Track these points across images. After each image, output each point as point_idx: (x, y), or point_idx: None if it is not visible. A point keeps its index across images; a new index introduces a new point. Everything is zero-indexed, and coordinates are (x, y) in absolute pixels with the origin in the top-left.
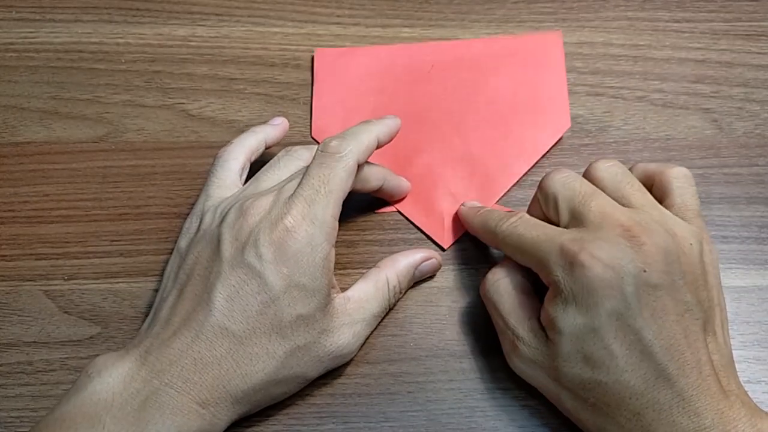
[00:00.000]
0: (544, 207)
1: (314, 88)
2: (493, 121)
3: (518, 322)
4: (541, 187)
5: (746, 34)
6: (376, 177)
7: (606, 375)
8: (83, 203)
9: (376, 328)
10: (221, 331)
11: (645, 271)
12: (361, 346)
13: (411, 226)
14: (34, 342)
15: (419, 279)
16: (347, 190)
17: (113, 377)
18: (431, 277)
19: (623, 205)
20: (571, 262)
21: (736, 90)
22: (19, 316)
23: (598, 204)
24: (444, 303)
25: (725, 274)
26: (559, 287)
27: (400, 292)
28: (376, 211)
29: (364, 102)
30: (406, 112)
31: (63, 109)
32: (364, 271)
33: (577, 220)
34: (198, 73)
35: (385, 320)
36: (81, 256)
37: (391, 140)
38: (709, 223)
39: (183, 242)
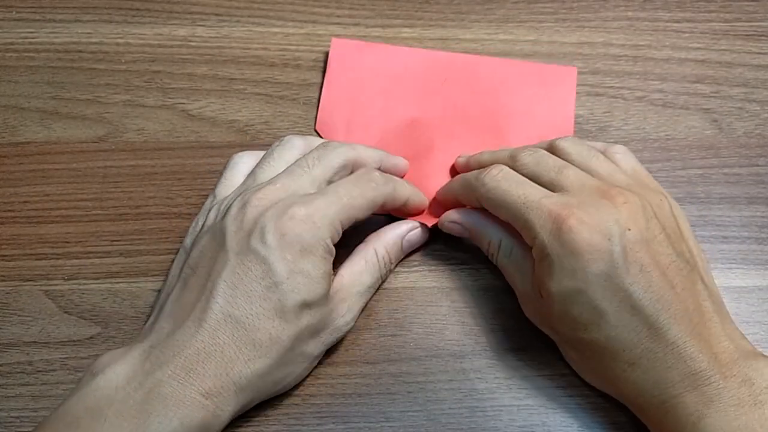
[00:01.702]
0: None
1: (326, 78)
2: (496, 143)
3: (516, 274)
4: (515, 164)
5: (746, 34)
6: (402, 193)
7: (597, 332)
8: (83, 203)
9: (378, 331)
10: (225, 318)
11: (629, 229)
12: (358, 317)
13: None
14: (34, 342)
15: (409, 250)
16: (363, 216)
17: (116, 373)
18: (418, 248)
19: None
20: (559, 228)
21: (736, 90)
22: (19, 316)
23: (575, 172)
24: (444, 303)
25: (725, 274)
26: (546, 251)
27: (390, 263)
28: (373, 213)
29: (372, 102)
30: (413, 119)
31: (63, 109)
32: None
33: (555, 190)
34: (198, 73)
35: (385, 320)
36: (81, 256)
37: (413, 212)
38: (709, 223)
39: (188, 240)
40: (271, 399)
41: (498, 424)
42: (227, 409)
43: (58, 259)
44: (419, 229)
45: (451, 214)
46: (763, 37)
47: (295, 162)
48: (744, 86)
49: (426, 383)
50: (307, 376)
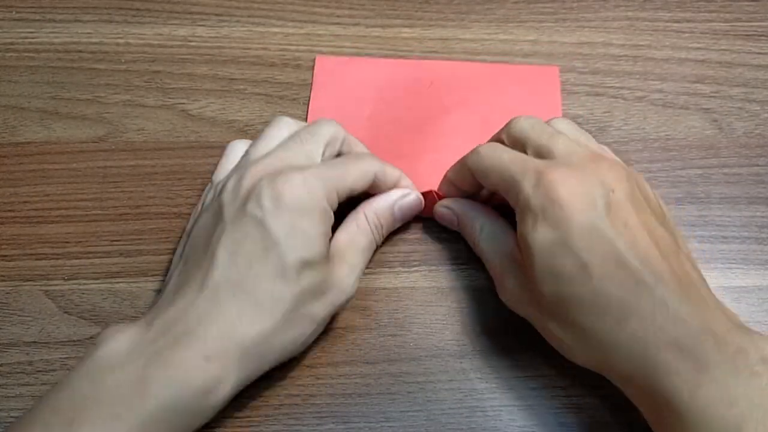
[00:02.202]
0: (510, 147)
1: (312, 93)
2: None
3: (493, 241)
4: (509, 132)
5: (746, 35)
6: (392, 175)
7: (581, 286)
8: (83, 203)
9: (378, 331)
10: (225, 282)
11: (613, 191)
12: (359, 282)
13: (410, 226)
14: (34, 342)
15: (402, 219)
16: (358, 188)
17: (119, 342)
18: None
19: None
20: (543, 181)
21: (736, 90)
22: (19, 316)
23: (566, 140)
24: (444, 303)
25: (725, 274)
26: (530, 204)
27: (381, 228)
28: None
29: (360, 110)
30: (401, 124)
31: (63, 109)
32: (365, 271)
33: (543, 155)
34: (198, 73)
35: (385, 320)
36: (81, 256)
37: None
38: (709, 223)
39: (189, 224)
40: (271, 399)
41: (498, 424)
42: (231, 374)
43: (58, 259)
44: (412, 195)
45: (445, 201)
46: (763, 37)
47: (289, 137)
48: (744, 86)
49: (426, 383)
50: (309, 378)
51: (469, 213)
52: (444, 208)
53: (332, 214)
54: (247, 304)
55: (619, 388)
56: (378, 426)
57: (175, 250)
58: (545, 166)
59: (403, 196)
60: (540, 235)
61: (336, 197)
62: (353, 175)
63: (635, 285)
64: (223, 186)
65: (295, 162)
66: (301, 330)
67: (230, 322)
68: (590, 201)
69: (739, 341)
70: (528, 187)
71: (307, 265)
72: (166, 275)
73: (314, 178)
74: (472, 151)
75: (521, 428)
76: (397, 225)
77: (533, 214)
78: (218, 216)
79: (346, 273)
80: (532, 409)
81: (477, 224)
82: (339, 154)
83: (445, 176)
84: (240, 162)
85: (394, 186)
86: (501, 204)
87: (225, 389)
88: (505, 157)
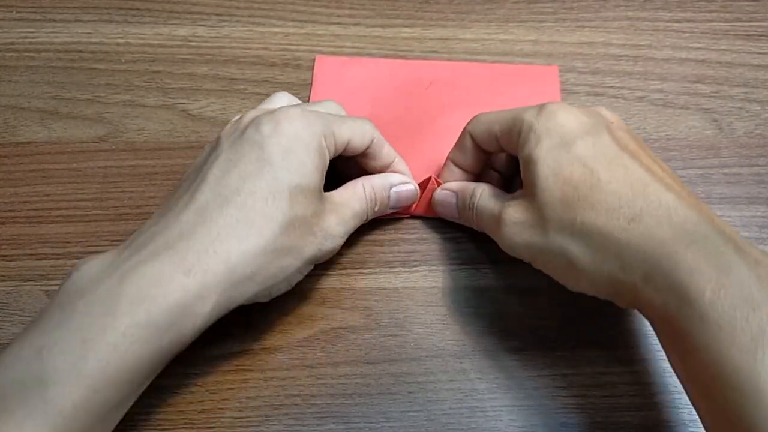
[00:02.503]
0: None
1: (312, 93)
2: None
3: (491, 199)
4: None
5: (746, 34)
6: (389, 153)
7: (590, 189)
8: (83, 203)
9: (378, 331)
10: (214, 197)
11: (612, 123)
12: (347, 237)
13: (411, 226)
14: None
15: (396, 205)
16: (356, 145)
17: (92, 267)
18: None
19: None
20: (545, 110)
21: (736, 90)
22: (19, 316)
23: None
24: (444, 303)
25: None
26: (533, 127)
27: (375, 203)
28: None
29: (360, 110)
30: (401, 123)
31: (63, 109)
32: (364, 271)
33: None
34: (198, 73)
35: (385, 320)
36: (81, 256)
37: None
38: None
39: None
40: (271, 399)
41: (498, 424)
42: (212, 292)
43: (58, 259)
44: (410, 185)
45: (445, 184)
46: (763, 37)
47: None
48: (744, 86)
49: (426, 383)
50: (309, 378)
51: (468, 186)
52: (443, 190)
53: (327, 157)
54: (235, 220)
55: (630, 304)
56: (378, 426)
57: None
58: (546, 103)
59: (402, 183)
60: (545, 148)
61: (333, 142)
62: (353, 128)
63: (644, 187)
64: (221, 133)
65: (305, 106)
66: (288, 261)
67: (216, 236)
68: (592, 124)
69: (755, 253)
70: (531, 116)
71: (300, 191)
72: None
73: (314, 116)
74: (472, 119)
75: (521, 428)
76: (388, 211)
77: (537, 134)
78: (214, 148)
79: (336, 222)
80: (532, 409)
81: (475, 190)
82: None
83: (445, 161)
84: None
85: (389, 162)
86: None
87: (205, 308)
88: (504, 111)
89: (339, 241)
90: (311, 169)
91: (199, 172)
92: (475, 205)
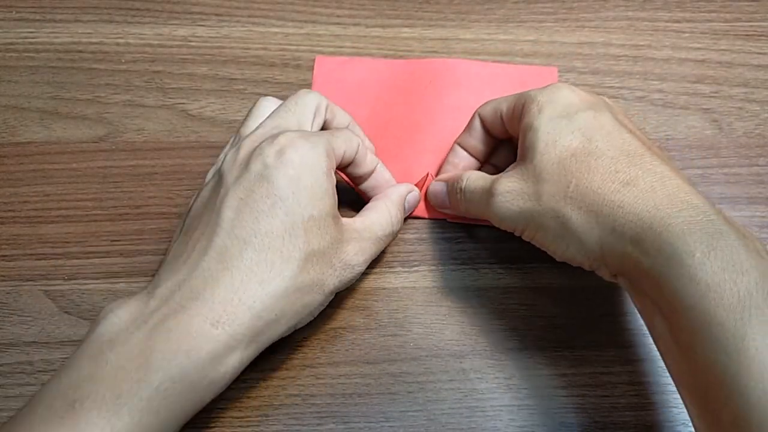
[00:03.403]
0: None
1: None
2: None
3: (480, 179)
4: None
5: (746, 34)
6: (372, 159)
7: (587, 155)
8: (83, 203)
9: (378, 331)
10: (231, 240)
11: (612, 106)
12: (368, 264)
13: (411, 226)
14: (35, 342)
15: (408, 213)
16: (347, 156)
17: (119, 317)
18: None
19: None
20: (548, 87)
21: (736, 90)
22: (19, 316)
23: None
24: (444, 303)
25: None
26: (536, 98)
27: (399, 222)
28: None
29: (359, 110)
30: (401, 123)
31: (63, 109)
32: (364, 270)
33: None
34: (198, 73)
35: (385, 320)
36: (81, 256)
37: (411, 210)
38: None
39: (191, 203)
40: (271, 398)
41: (498, 424)
42: (241, 340)
43: (58, 259)
44: (415, 191)
45: (437, 180)
46: (763, 37)
47: (277, 108)
48: (744, 86)
49: (426, 383)
50: (309, 378)
51: (457, 174)
52: (436, 182)
53: (334, 176)
54: (256, 263)
55: (615, 270)
56: (378, 426)
57: None
58: (552, 83)
59: (410, 191)
60: (546, 117)
61: (334, 158)
62: (344, 139)
63: (640, 157)
64: (223, 160)
65: (288, 127)
66: (310, 298)
67: (239, 284)
68: (594, 101)
69: (742, 229)
70: (535, 91)
71: (315, 222)
72: None
73: (316, 137)
74: (481, 105)
75: (521, 428)
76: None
77: (539, 105)
78: (219, 183)
79: (355, 252)
80: (531, 409)
81: (462, 175)
82: (325, 123)
83: (452, 146)
84: (234, 141)
85: (373, 169)
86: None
87: (235, 357)
88: (513, 94)
89: (359, 269)
90: (322, 195)
91: (211, 212)
92: (462, 188)
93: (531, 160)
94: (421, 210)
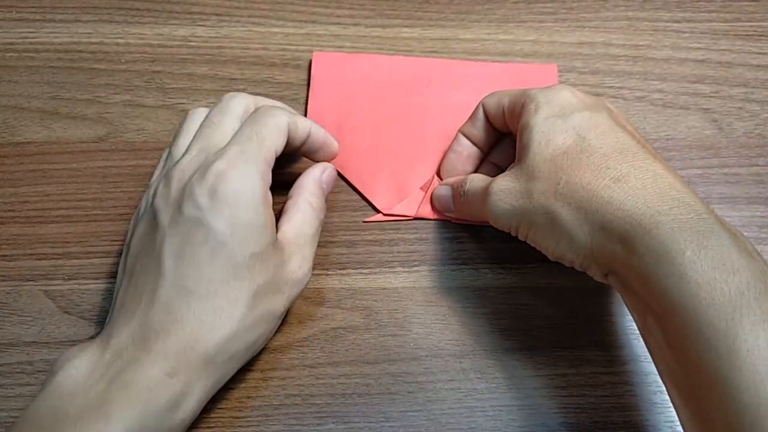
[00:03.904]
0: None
1: (310, 90)
2: None
3: (481, 181)
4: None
5: (746, 35)
6: (303, 127)
7: (580, 152)
8: (83, 203)
9: (378, 331)
10: (177, 291)
11: (611, 109)
12: (312, 268)
13: (411, 226)
14: (35, 342)
15: (327, 192)
16: (280, 145)
17: (76, 368)
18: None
19: None
20: (549, 88)
21: (736, 90)
22: (19, 316)
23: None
24: (444, 303)
25: None
26: (536, 97)
27: (322, 209)
28: (364, 221)
29: (359, 107)
30: (400, 121)
31: (63, 109)
32: (364, 271)
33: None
34: (198, 73)
35: (385, 320)
36: (81, 256)
37: (320, 148)
38: None
39: (128, 236)
40: (271, 398)
41: (498, 424)
42: (196, 386)
43: (58, 259)
44: (330, 168)
45: (443, 181)
46: (763, 37)
47: (202, 123)
48: (744, 86)
49: (426, 383)
50: (309, 378)
51: (461, 177)
52: (440, 186)
53: (270, 193)
54: (203, 312)
55: (606, 270)
56: (378, 426)
57: None
58: (555, 84)
59: (323, 170)
60: (542, 116)
61: (268, 168)
62: (272, 136)
63: (633, 155)
64: (154, 192)
65: (215, 147)
66: (263, 328)
67: (189, 333)
68: (593, 103)
69: (733, 229)
70: (536, 90)
71: (257, 259)
72: None
73: (241, 162)
74: (486, 96)
75: (521, 428)
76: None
77: (537, 104)
78: (154, 223)
79: (299, 264)
80: (531, 409)
81: (466, 178)
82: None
83: (456, 135)
84: (165, 164)
85: (304, 131)
86: None
87: (191, 402)
88: (517, 89)
89: (307, 279)
90: (262, 228)
91: (150, 256)
92: (465, 191)
93: (525, 159)
94: (427, 211)
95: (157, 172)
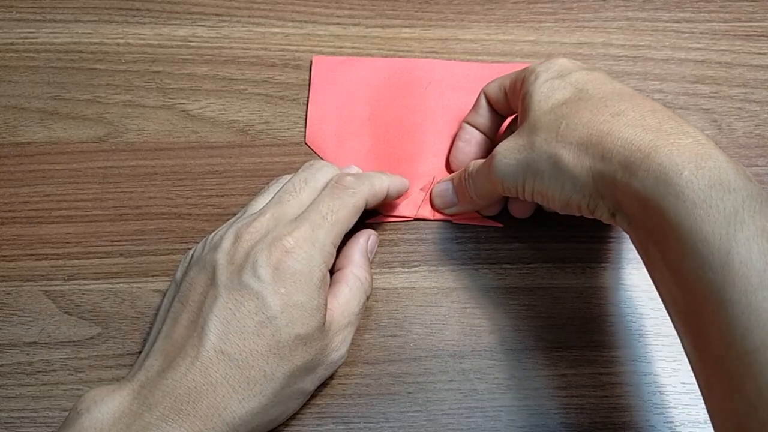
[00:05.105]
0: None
1: (310, 94)
2: None
3: (484, 160)
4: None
5: (746, 35)
6: (380, 192)
7: (578, 101)
8: (83, 203)
9: (378, 331)
10: (217, 355)
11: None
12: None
13: (410, 227)
14: (35, 342)
15: (371, 258)
16: (351, 225)
17: (103, 413)
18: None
19: None
20: (550, 59)
21: (736, 90)
22: (19, 316)
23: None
24: (444, 303)
25: None
26: (534, 69)
27: (369, 281)
28: (365, 222)
29: (359, 111)
30: (400, 123)
31: (63, 109)
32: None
33: None
34: (198, 73)
35: (385, 320)
36: (81, 257)
37: (398, 197)
38: None
39: (178, 273)
40: None
41: (498, 425)
42: None
43: (58, 259)
44: (374, 235)
45: (442, 180)
46: (763, 37)
47: (282, 188)
48: (744, 86)
49: (426, 383)
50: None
51: (463, 169)
52: (440, 183)
53: (329, 276)
54: (238, 381)
55: (608, 202)
56: (378, 426)
57: (175, 251)
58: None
59: (368, 238)
60: (542, 80)
61: (333, 249)
62: (345, 218)
63: (631, 95)
64: (219, 243)
65: (290, 216)
66: (289, 405)
67: (221, 399)
68: (590, 67)
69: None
70: (536, 64)
71: (301, 341)
72: (167, 276)
73: (310, 242)
74: (487, 84)
75: (521, 428)
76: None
77: (536, 73)
78: (211, 278)
79: (337, 347)
80: (531, 409)
81: (468, 165)
82: None
83: (461, 125)
84: (239, 216)
85: (386, 194)
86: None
87: None
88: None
89: (342, 361)
90: (314, 311)
91: (199, 311)
92: (470, 171)
93: (526, 118)
94: (427, 212)
95: (230, 221)
